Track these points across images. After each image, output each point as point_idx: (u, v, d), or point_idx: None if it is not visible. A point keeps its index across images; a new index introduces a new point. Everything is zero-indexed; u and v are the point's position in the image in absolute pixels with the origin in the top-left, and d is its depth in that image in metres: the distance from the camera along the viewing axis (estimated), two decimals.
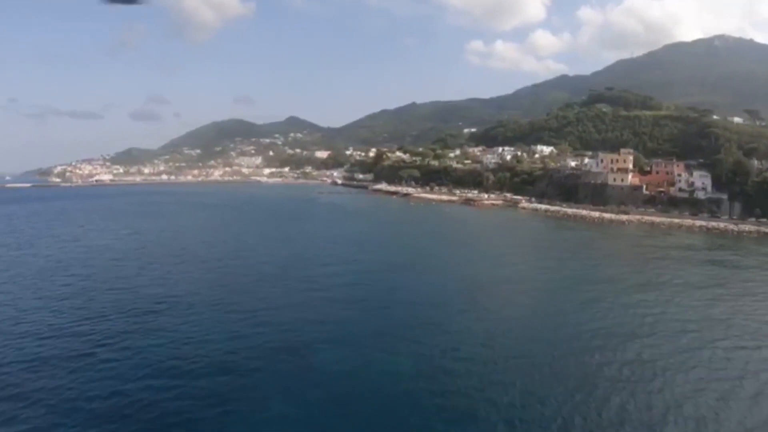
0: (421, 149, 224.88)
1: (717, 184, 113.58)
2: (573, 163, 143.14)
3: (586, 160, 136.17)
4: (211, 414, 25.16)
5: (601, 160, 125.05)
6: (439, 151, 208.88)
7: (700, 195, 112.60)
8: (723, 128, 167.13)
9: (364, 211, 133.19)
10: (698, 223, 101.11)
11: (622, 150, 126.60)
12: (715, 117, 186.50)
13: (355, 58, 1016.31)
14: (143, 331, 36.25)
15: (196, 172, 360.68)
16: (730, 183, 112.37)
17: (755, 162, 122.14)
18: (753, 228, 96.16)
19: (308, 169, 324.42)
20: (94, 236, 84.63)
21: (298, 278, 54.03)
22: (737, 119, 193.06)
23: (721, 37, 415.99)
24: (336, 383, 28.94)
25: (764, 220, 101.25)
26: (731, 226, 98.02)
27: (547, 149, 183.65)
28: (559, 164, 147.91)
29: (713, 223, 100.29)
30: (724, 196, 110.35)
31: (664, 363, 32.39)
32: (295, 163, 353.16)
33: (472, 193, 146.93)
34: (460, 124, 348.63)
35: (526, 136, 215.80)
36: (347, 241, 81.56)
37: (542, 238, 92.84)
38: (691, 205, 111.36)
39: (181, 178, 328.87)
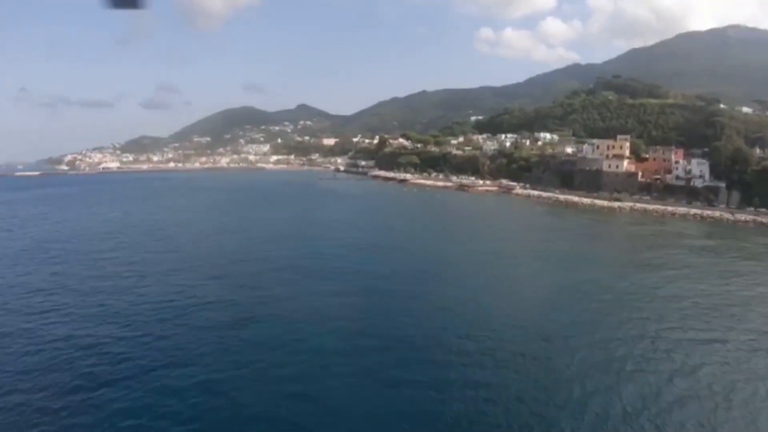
0: (421, 136, 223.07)
1: (716, 172, 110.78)
2: (570, 150, 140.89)
3: (585, 147, 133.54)
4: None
5: (597, 147, 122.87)
6: (439, 138, 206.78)
7: (698, 183, 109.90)
8: (729, 117, 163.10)
9: (355, 195, 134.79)
10: (692, 211, 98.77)
11: (619, 136, 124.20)
12: (722, 106, 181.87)
13: (366, 46, 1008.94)
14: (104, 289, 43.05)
15: (203, 159, 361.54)
16: (729, 171, 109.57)
17: (758, 151, 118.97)
18: (749, 217, 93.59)
19: (315, 156, 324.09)
20: (82, 217, 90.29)
21: (244, 255, 56.77)
22: (746, 109, 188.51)
23: (734, 27, 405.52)
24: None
25: (763, 209, 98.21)
26: (727, 215, 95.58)
27: (550, 136, 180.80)
28: (556, 151, 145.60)
29: (708, 212, 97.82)
30: (722, 185, 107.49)
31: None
32: (303, 150, 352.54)
33: (468, 180, 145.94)
34: (470, 112, 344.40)
35: (531, 124, 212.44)
36: (323, 223, 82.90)
37: (522, 221, 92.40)
38: (688, 193, 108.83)
39: (189, 166, 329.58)
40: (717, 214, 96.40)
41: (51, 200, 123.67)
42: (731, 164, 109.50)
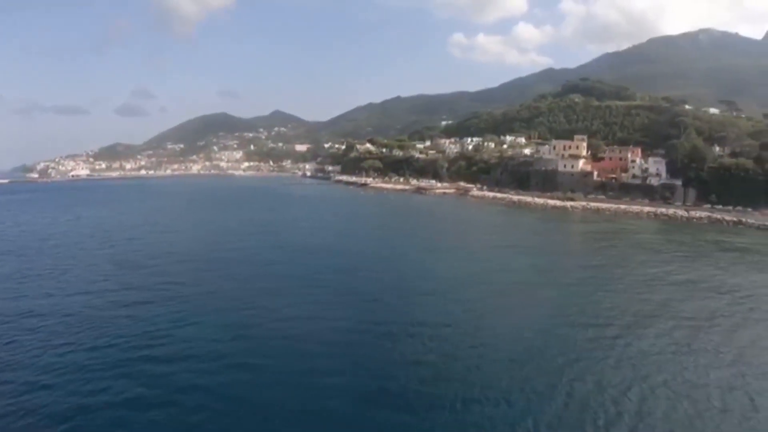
0: (387, 141, 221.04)
1: (673, 170, 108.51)
2: (527, 151, 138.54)
3: (542, 147, 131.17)
4: None
5: (554, 147, 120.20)
6: (404, 143, 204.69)
7: (654, 181, 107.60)
8: (693, 117, 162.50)
9: (310, 198, 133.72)
10: (646, 209, 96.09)
11: (576, 136, 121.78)
12: (687, 107, 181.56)
13: (342, 51, 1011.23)
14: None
15: (175, 166, 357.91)
16: (685, 169, 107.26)
17: (717, 149, 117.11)
18: (704, 214, 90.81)
19: (287, 162, 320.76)
20: (33, 220, 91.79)
21: (168, 252, 57.52)
22: (713, 110, 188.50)
23: (706, 31, 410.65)
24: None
25: (719, 206, 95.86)
26: (681, 212, 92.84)
27: (511, 139, 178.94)
28: (514, 152, 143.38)
29: (662, 209, 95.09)
30: (679, 183, 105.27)
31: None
32: (275, 156, 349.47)
33: (425, 182, 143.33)
34: (445, 117, 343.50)
35: (498, 127, 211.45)
36: (261, 224, 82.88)
37: (466, 220, 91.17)
38: (644, 191, 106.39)
39: (160, 173, 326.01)
40: (671, 211, 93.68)
41: (10, 205, 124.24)
42: (688, 162, 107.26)
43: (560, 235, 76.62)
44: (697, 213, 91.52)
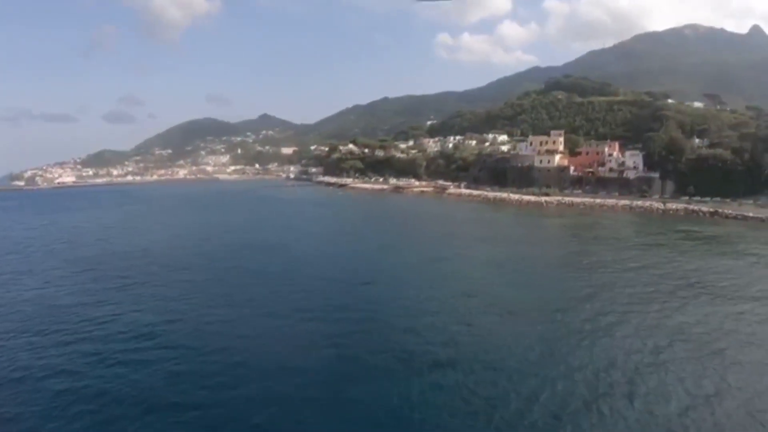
0: (369, 141, 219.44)
1: (650, 163, 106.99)
2: (505, 148, 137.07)
3: (519, 144, 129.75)
4: None
5: (531, 143, 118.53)
6: (386, 143, 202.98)
7: (630, 174, 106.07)
8: (676, 111, 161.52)
9: (288, 200, 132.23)
10: (621, 202, 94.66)
11: (553, 132, 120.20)
12: (670, 101, 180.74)
13: (329, 54, 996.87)
14: None
15: (162, 172, 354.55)
16: (663, 162, 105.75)
17: (697, 141, 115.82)
18: (680, 206, 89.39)
19: (273, 165, 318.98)
20: (8, 226, 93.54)
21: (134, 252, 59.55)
22: (697, 104, 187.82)
23: (691, 26, 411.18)
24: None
25: (697, 198, 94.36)
26: (657, 205, 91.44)
27: (497, 137, 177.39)
28: (492, 149, 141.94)
29: (638, 203, 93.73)
30: (656, 175, 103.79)
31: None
32: (262, 160, 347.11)
33: (403, 181, 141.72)
34: (432, 117, 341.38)
35: (482, 125, 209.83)
36: (229, 226, 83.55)
37: (438, 217, 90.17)
38: (621, 185, 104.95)
39: (147, 178, 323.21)
40: (647, 204, 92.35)
41: None
42: (666, 154, 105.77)
43: (526, 228, 74.99)
44: (673, 205, 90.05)
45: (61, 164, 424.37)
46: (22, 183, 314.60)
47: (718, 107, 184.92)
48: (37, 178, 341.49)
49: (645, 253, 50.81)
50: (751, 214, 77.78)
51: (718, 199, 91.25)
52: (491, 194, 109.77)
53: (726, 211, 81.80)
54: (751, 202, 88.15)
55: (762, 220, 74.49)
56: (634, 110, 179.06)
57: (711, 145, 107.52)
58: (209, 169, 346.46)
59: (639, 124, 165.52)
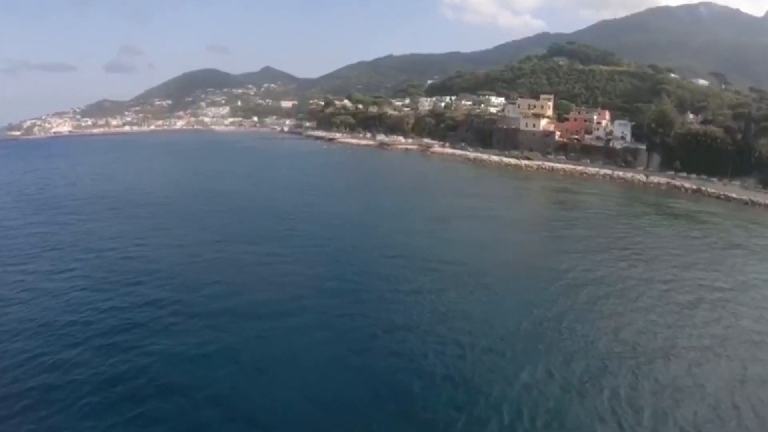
0: (363, 97, 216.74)
1: (640, 134, 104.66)
2: (494, 110, 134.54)
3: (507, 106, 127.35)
4: None
5: (518, 106, 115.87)
6: (379, 100, 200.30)
7: (617, 144, 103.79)
8: (676, 86, 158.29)
9: (266, 151, 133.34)
10: (602, 171, 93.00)
11: (543, 96, 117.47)
12: (672, 75, 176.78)
13: (334, 8, 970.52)
14: None
15: (159, 122, 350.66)
16: (651, 134, 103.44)
17: (691, 116, 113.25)
18: (663, 180, 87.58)
19: (272, 118, 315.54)
20: None
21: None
22: (702, 81, 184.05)
23: (706, 4, 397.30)
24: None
25: (683, 173, 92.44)
26: (639, 177, 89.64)
27: (492, 99, 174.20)
28: (480, 110, 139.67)
29: (619, 173, 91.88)
30: (643, 147, 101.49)
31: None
32: (261, 112, 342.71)
33: (389, 138, 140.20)
34: (436, 77, 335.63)
35: (480, 86, 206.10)
36: (191, 174, 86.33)
37: (408, 173, 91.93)
38: (606, 154, 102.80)
39: (144, 128, 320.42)
40: (629, 175, 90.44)
41: None
42: (656, 127, 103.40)
43: (492, 188, 74.32)
44: (656, 178, 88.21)
45: (60, 114, 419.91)
46: (18, 133, 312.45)
47: (723, 87, 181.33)
48: (36, 129, 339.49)
49: (598, 223, 49.94)
50: (734, 195, 75.84)
51: (705, 177, 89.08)
52: (472, 155, 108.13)
53: (709, 189, 79.92)
54: (738, 183, 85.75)
55: (745, 202, 72.41)
56: (635, 82, 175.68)
57: (704, 122, 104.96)
58: (207, 120, 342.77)
59: (638, 96, 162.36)
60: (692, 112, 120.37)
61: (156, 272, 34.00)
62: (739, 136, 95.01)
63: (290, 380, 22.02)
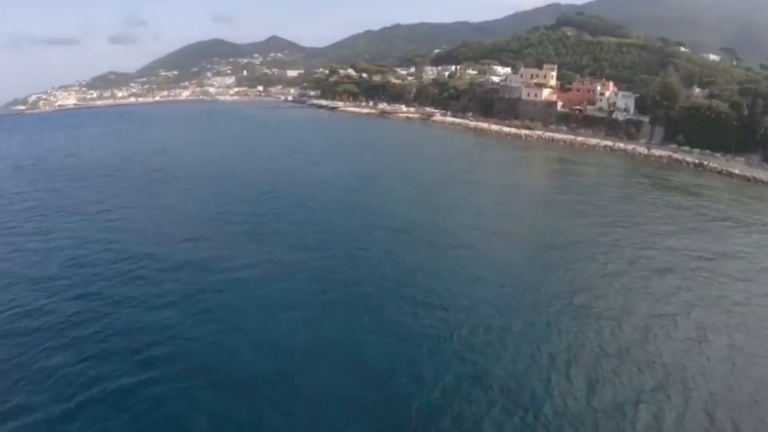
0: (367, 66, 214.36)
1: (643, 106, 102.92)
2: (497, 79, 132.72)
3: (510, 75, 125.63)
4: None
5: (521, 75, 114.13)
6: (383, 68, 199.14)
7: (620, 116, 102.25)
8: (686, 60, 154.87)
9: (266, 121, 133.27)
10: (603, 143, 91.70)
11: (546, 65, 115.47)
12: (682, 49, 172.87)
13: None
14: None
15: (164, 93, 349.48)
16: (655, 107, 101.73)
17: (697, 90, 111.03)
18: (665, 153, 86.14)
19: (278, 87, 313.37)
20: None
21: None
22: (713, 57, 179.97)
23: None
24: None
25: (686, 147, 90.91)
26: (641, 149, 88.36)
27: (499, 69, 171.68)
28: (483, 79, 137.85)
29: (620, 145, 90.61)
30: (646, 119, 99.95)
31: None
32: (267, 82, 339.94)
33: (390, 107, 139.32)
34: (444, 46, 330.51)
35: (487, 56, 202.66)
36: (184, 141, 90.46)
37: (406, 141, 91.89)
38: (608, 125, 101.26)
39: (148, 99, 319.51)
40: (630, 147, 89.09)
41: None
42: (660, 99, 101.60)
43: (489, 156, 74.19)
44: (657, 152, 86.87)
45: (65, 87, 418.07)
46: (23, 107, 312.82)
47: (735, 63, 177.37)
48: (41, 102, 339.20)
49: (585, 193, 49.52)
50: (737, 171, 74.24)
51: (708, 152, 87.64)
52: (472, 124, 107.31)
53: (712, 164, 78.31)
54: (742, 159, 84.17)
55: (748, 179, 70.72)
56: (643, 55, 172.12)
57: (709, 96, 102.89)
58: (212, 90, 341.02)
59: (646, 69, 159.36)
60: (700, 87, 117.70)
61: (136, 231, 34.83)
62: (746, 112, 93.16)
63: (239, 326, 23.94)
